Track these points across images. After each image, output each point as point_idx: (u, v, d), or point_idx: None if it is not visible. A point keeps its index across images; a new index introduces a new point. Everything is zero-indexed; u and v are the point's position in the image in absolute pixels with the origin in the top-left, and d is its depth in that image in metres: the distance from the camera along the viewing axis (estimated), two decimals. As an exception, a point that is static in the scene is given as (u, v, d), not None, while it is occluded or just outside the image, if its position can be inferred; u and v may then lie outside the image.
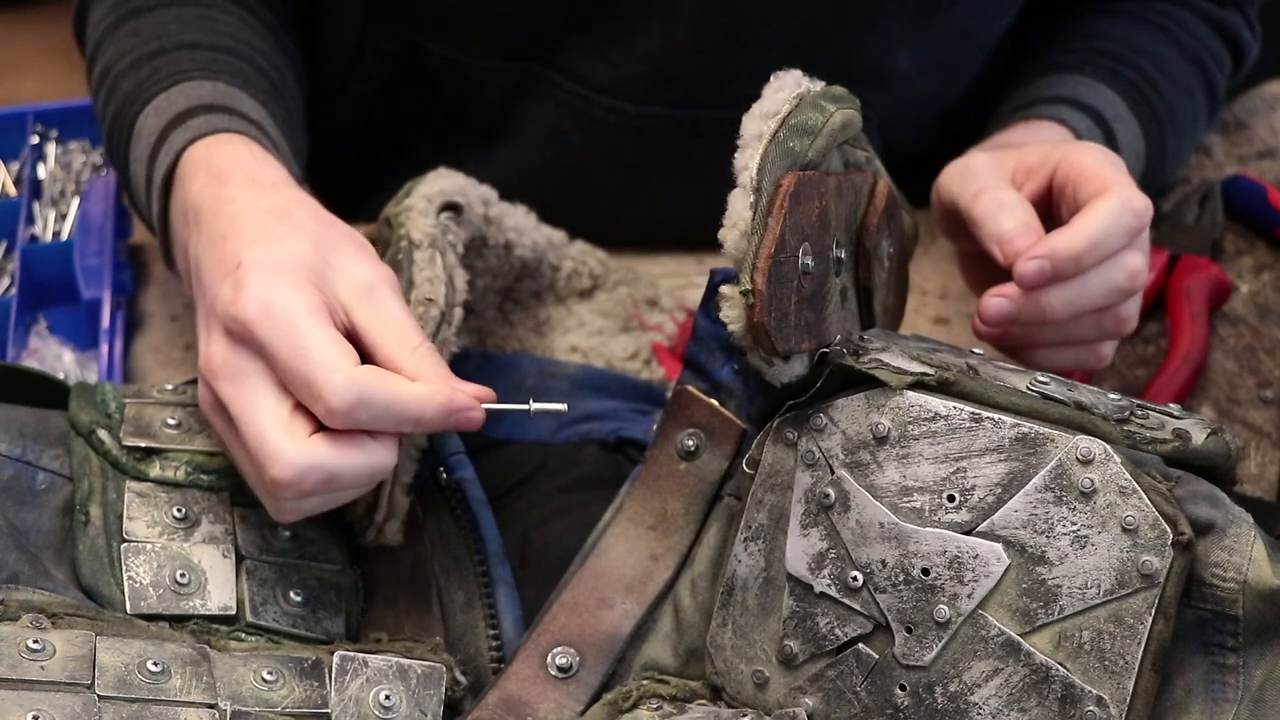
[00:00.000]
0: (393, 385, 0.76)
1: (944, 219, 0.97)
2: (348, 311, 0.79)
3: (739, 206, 0.76)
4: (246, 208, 0.83)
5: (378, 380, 0.76)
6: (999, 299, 0.88)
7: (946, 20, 1.06)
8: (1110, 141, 1.03)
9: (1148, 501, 0.71)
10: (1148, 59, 1.08)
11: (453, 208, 0.91)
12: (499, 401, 0.81)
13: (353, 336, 0.79)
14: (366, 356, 0.78)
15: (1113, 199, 0.88)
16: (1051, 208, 0.93)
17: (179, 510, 0.83)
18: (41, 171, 1.19)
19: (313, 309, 0.77)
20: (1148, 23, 1.11)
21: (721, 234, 0.76)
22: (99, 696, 0.71)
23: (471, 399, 0.78)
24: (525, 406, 0.82)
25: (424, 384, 0.77)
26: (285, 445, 0.75)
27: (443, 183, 0.91)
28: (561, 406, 0.82)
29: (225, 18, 1.01)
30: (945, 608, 0.73)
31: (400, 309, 0.80)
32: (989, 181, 0.92)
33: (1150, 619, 0.71)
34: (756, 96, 0.80)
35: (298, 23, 1.09)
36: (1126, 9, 1.12)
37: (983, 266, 0.96)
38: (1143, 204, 0.89)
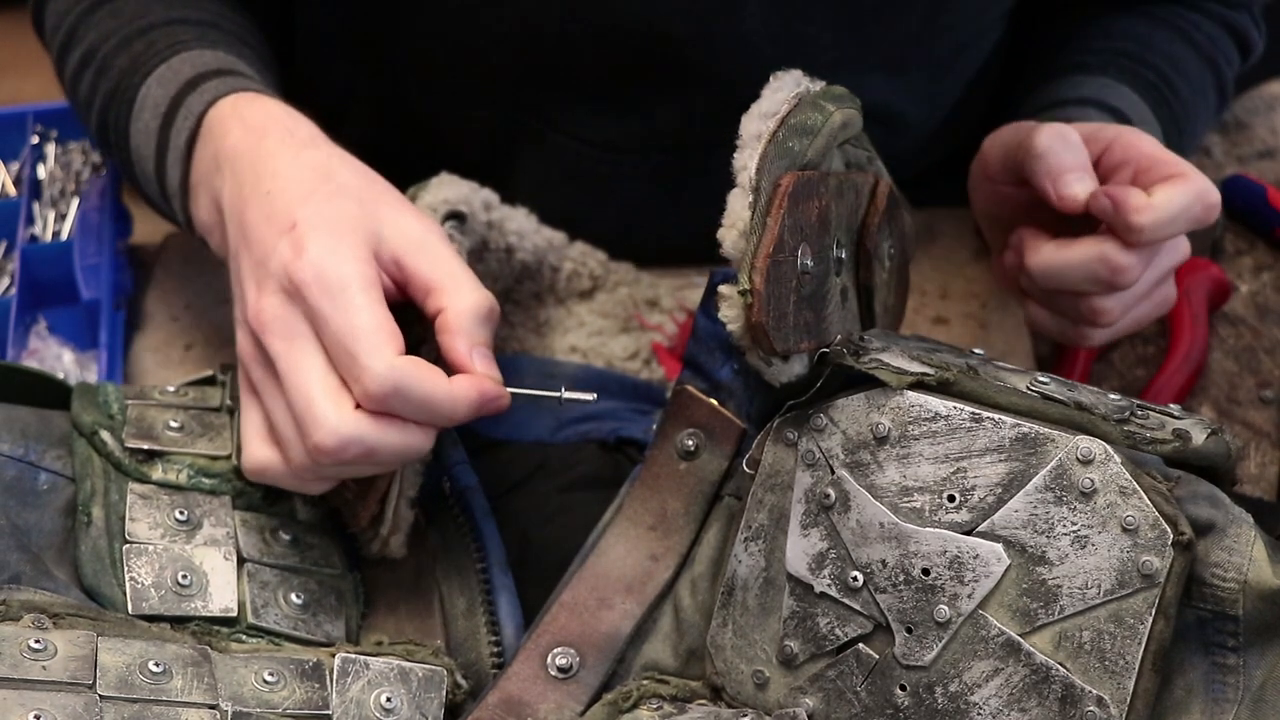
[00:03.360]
0: (429, 381, 0.77)
1: (988, 164, 0.96)
2: (399, 261, 0.80)
3: (738, 206, 0.76)
4: (289, 163, 0.84)
5: (416, 374, 0.76)
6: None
7: (930, 53, 1.07)
8: None
9: (1148, 501, 0.71)
10: (1166, 61, 1.08)
11: (457, 216, 0.91)
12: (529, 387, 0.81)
13: (405, 284, 0.80)
14: (416, 298, 0.80)
15: (1190, 186, 0.88)
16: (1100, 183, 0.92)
17: (181, 513, 0.83)
18: (41, 171, 1.19)
19: (367, 283, 0.78)
20: (1164, 24, 1.11)
21: (720, 233, 0.76)
22: (100, 696, 0.71)
23: (500, 388, 0.79)
24: (556, 394, 0.82)
25: (459, 380, 0.78)
26: (332, 414, 0.76)
27: (446, 190, 0.91)
28: (591, 396, 0.82)
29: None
30: (945, 608, 0.73)
31: (451, 254, 0.81)
32: (1048, 125, 0.92)
33: (1150, 619, 0.71)
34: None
35: (273, 32, 1.09)
36: (1143, 9, 1.12)
37: (1010, 211, 0.96)
38: (1215, 199, 0.89)
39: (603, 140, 1.06)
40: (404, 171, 1.07)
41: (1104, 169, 0.92)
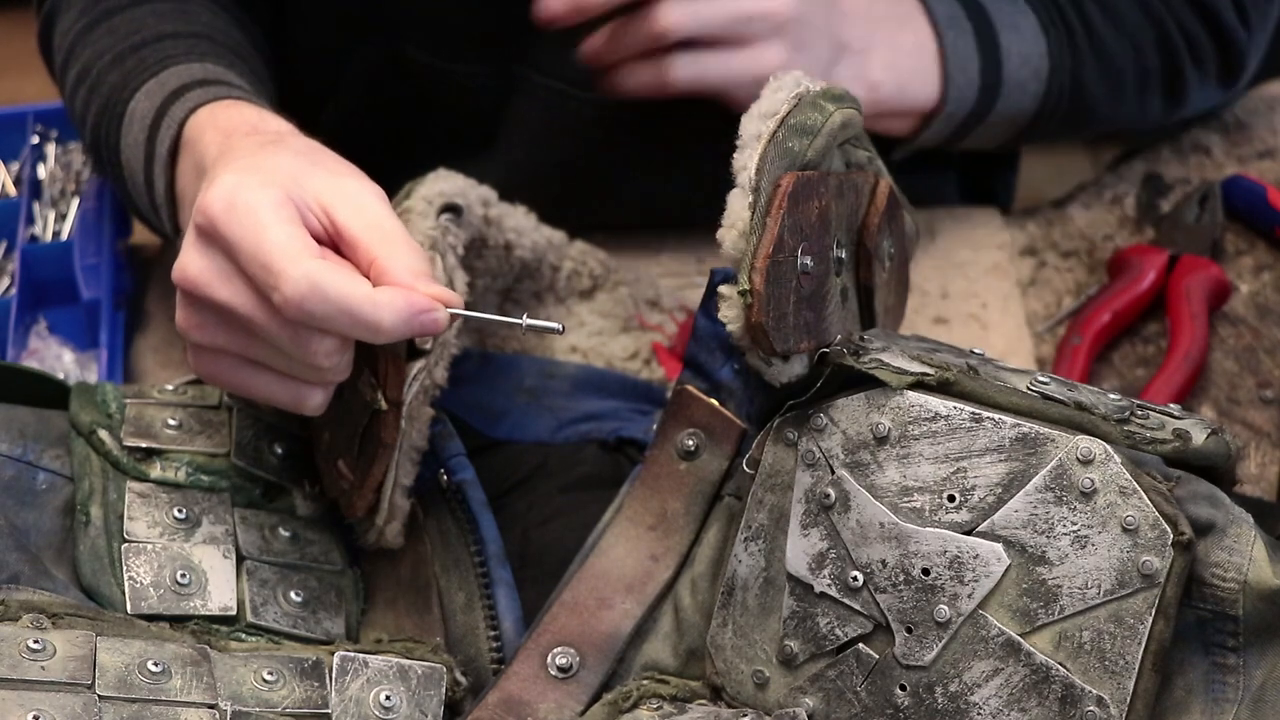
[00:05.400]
0: (348, 284, 0.73)
1: None
2: (329, 212, 0.77)
3: (738, 206, 0.76)
4: (243, 144, 0.83)
5: (335, 276, 0.73)
6: None
7: None
8: (987, 36, 1.04)
9: (1148, 501, 0.71)
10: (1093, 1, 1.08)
11: (453, 209, 0.91)
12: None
13: (334, 238, 0.77)
14: (348, 256, 0.76)
15: None
16: None
17: (180, 511, 0.83)
18: (41, 171, 1.19)
19: (278, 204, 0.75)
20: None
21: (720, 234, 0.76)
22: (99, 696, 0.71)
23: (433, 301, 0.74)
24: (518, 321, 0.77)
25: (385, 288, 0.74)
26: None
27: (442, 184, 0.91)
28: (557, 326, 0.77)
29: (200, 11, 1.01)
30: (945, 608, 0.73)
31: (388, 213, 0.77)
32: None
33: (1150, 619, 0.71)
34: None
35: (268, 24, 1.09)
36: None
37: None
38: None
39: (584, 78, 1.05)
40: (401, 137, 1.06)
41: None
